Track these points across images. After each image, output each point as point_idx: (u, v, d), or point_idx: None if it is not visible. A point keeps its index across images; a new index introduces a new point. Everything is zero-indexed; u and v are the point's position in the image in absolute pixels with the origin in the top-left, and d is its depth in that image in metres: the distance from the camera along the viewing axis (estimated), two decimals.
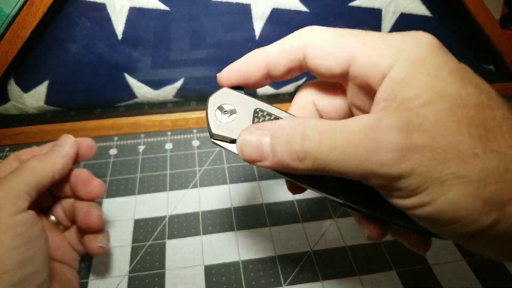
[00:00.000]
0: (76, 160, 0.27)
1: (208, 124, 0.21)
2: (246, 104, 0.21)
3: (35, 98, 0.41)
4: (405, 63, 0.16)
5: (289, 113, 0.21)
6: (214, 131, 0.20)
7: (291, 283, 0.27)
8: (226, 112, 0.21)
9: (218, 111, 0.21)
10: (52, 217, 0.27)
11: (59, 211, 0.28)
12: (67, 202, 0.27)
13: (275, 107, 0.21)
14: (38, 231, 0.22)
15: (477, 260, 0.28)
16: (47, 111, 0.43)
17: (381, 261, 0.29)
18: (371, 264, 0.28)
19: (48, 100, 0.42)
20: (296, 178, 0.20)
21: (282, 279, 0.28)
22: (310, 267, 0.28)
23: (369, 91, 0.18)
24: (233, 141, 0.20)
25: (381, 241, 0.30)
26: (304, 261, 0.29)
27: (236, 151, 0.20)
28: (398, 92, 0.16)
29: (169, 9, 0.39)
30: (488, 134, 0.15)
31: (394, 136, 0.15)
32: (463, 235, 0.15)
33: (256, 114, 0.21)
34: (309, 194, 0.33)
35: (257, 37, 0.42)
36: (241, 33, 0.41)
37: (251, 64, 0.20)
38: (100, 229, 0.26)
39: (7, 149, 0.40)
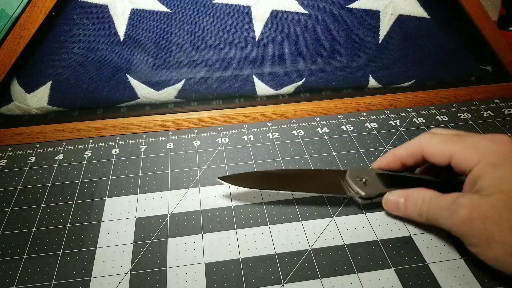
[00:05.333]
0: None
1: (357, 191, 0.31)
2: (370, 172, 0.32)
3: (38, 98, 0.42)
4: (483, 166, 0.26)
5: (383, 171, 0.33)
6: (365, 195, 0.31)
7: (290, 281, 0.28)
8: (363, 181, 0.32)
9: (357, 182, 0.31)
10: None
11: None
12: None
13: (379, 168, 0.33)
14: None
15: (474, 259, 0.28)
16: (49, 111, 0.44)
17: (379, 259, 0.29)
18: (370, 262, 0.29)
19: (51, 101, 0.42)
20: None
21: (281, 276, 0.28)
22: (309, 265, 0.29)
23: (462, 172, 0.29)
24: (378, 195, 0.31)
25: (379, 239, 0.30)
26: (303, 259, 0.29)
27: (359, 201, 0.32)
28: (474, 184, 0.26)
29: (170, 11, 0.40)
30: None
31: (464, 210, 0.25)
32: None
33: (379, 176, 0.32)
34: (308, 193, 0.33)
35: (257, 39, 0.42)
36: (242, 35, 0.42)
37: (391, 159, 0.32)
38: None
39: (10, 149, 0.41)
